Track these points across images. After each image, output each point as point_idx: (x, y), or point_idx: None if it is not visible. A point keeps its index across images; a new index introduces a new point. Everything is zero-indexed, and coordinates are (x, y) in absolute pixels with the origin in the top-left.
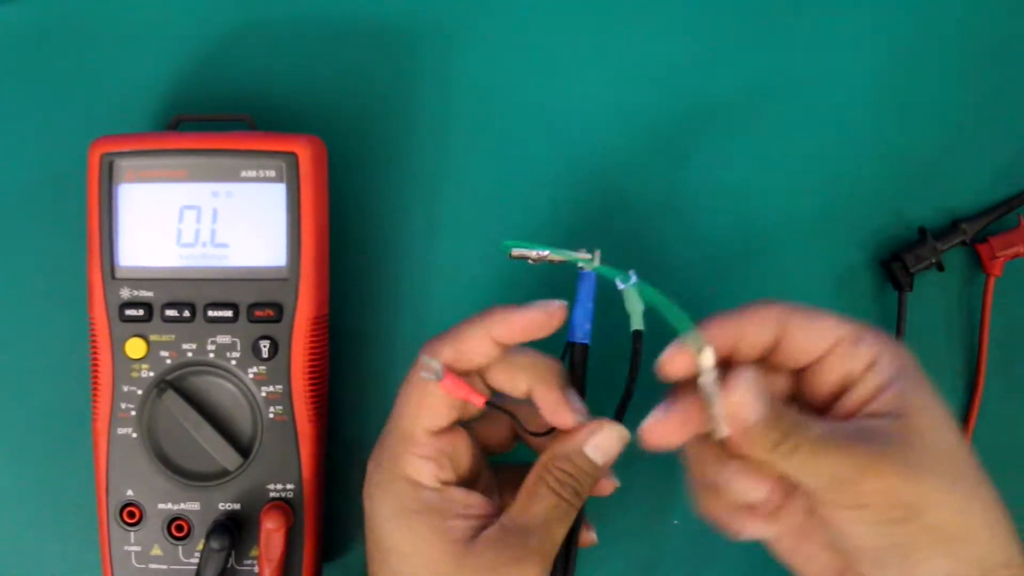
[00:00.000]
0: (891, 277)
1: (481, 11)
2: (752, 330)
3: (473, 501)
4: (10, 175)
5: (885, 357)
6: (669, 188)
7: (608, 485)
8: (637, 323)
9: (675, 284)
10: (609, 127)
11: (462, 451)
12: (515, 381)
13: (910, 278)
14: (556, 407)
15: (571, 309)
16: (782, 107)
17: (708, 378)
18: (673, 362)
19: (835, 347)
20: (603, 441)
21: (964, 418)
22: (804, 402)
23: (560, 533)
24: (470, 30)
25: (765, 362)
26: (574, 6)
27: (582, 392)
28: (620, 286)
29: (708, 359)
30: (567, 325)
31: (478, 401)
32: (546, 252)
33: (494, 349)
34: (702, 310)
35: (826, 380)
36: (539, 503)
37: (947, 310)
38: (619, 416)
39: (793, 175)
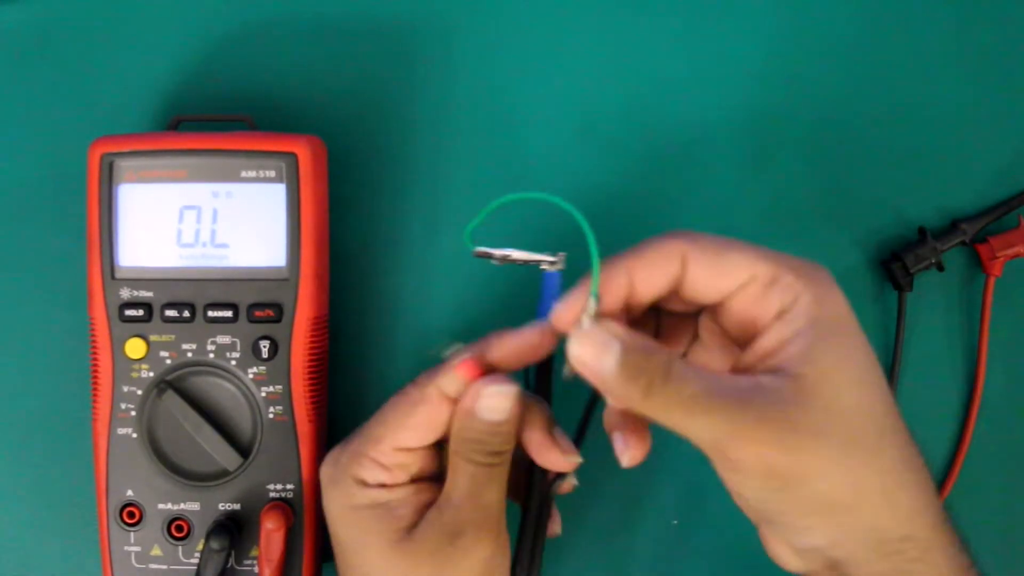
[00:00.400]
0: (891, 277)
1: (481, 11)
2: (644, 273)
3: (419, 488)
4: (10, 175)
5: (801, 303)
6: (668, 186)
7: (567, 486)
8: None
9: None
10: (609, 127)
11: (424, 465)
12: None
13: (910, 278)
14: (542, 447)
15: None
16: (782, 107)
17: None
18: (560, 317)
19: (744, 287)
20: (489, 401)
21: (964, 418)
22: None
23: (491, 497)
24: (470, 30)
25: (678, 300)
26: (574, 6)
27: (550, 392)
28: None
29: (589, 309)
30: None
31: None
32: (509, 252)
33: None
34: None
35: (732, 323)
36: (460, 475)
37: (947, 310)
38: (586, 419)
39: (793, 175)
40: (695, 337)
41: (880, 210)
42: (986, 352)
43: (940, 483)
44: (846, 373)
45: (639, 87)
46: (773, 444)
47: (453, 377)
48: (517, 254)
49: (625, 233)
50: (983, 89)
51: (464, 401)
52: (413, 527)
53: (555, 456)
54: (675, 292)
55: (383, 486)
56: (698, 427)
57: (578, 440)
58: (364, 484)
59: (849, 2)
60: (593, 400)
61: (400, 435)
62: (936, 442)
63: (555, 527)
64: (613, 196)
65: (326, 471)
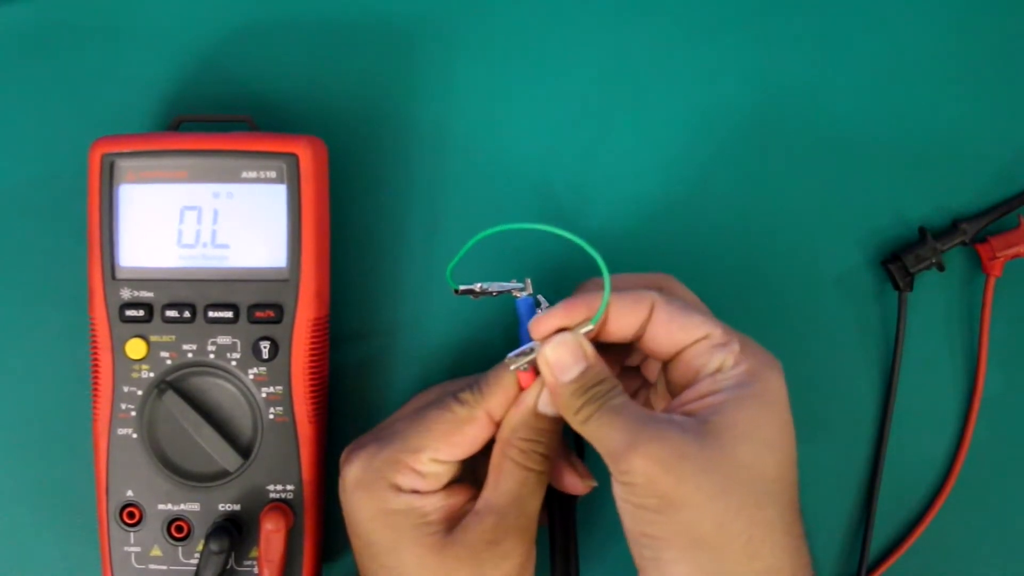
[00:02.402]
0: (891, 277)
1: (481, 12)
2: (618, 313)
3: (453, 491)
4: (11, 175)
5: (737, 369)
6: (668, 189)
7: (584, 488)
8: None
9: (678, 278)
10: (610, 128)
11: (457, 470)
12: None
13: (910, 278)
14: (560, 473)
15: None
16: (782, 108)
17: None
18: (538, 327)
19: (697, 343)
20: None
21: (964, 418)
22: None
23: (534, 505)
24: (471, 31)
25: (635, 351)
26: (575, 7)
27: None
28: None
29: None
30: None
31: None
32: (484, 286)
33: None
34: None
35: (676, 374)
36: (507, 480)
37: (947, 310)
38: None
39: (793, 175)
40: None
41: (880, 210)
42: (986, 352)
43: (940, 483)
44: (752, 432)
45: (638, 84)
46: (659, 462)
47: (502, 399)
48: (491, 287)
49: (623, 231)
50: (983, 89)
51: (525, 401)
52: (448, 530)
53: (573, 480)
54: (636, 338)
55: (416, 492)
56: (605, 434)
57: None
58: (399, 489)
59: (849, 3)
60: None
61: (442, 450)
62: (936, 442)
63: (589, 482)
64: (613, 194)
65: (355, 474)
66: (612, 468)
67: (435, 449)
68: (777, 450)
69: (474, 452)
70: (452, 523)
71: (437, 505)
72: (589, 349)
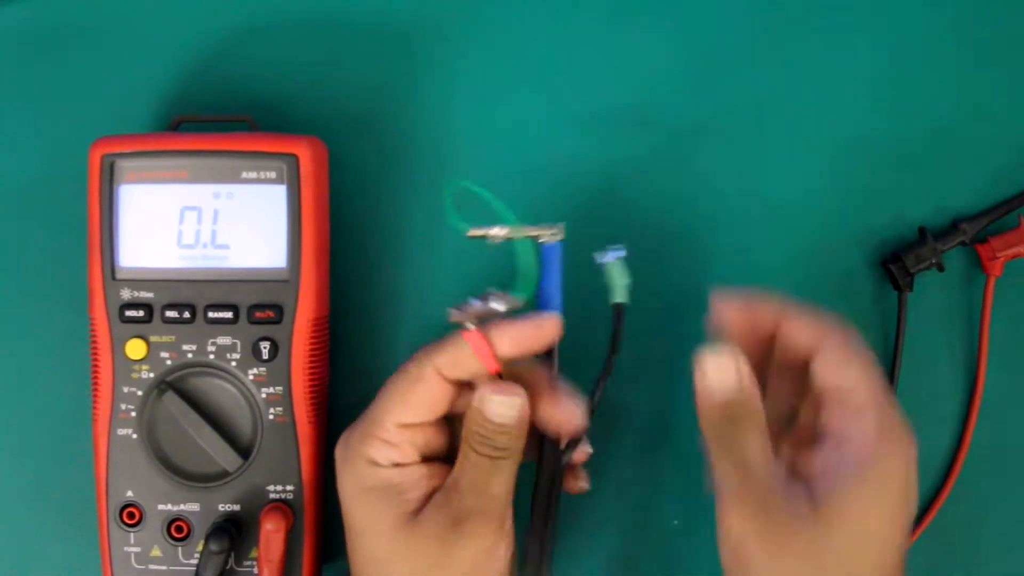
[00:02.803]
0: (891, 277)
1: (481, 12)
2: (792, 330)
3: (432, 472)
4: (11, 175)
5: (866, 439)
6: (669, 188)
7: (580, 454)
8: (620, 296)
9: (674, 283)
10: (610, 128)
11: (431, 438)
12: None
13: (910, 278)
14: (546, 409)
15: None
16: (782, 108)
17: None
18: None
19: (841, 388)
20: (495, 408)
21: (964, 418)
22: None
23: (498, 487)
24: (471, 31)
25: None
26: (575, 7)
27: (555, 364)
28: (600, 259)
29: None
30: (536, 296)
31: (492, 367)
32: (506, 229)
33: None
34: (702, 309)
35: (815, 382)
36: (467, 462)
37: (947, 310)
38: (597, 390)
39: (793, 176)
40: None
41: (880, 210)
42: (986, 352)
43: (940, 483)
44: (862, 524)
45: (638, 84)
46: (756, 535)
47: (450, 358)
48: (515, 230)
49: (622, 228)
50: (983, 89)
51: (474, 398)
52: (420, 510)
53: (568, 406)
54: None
55: (396, 465)
56: (723, 468)
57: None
58: (376, 464)
59: (849, 3)
60: (604, 374)
61: (400, 412)
62: (936, 442)
63: (581, 483)
64: (614, 195)
65: (338, 452)
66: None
67: (395, 414)
68: (883, 540)
69: (437, 415)
70: (427, 501)
71: (416, 482)
72: (745, 370)
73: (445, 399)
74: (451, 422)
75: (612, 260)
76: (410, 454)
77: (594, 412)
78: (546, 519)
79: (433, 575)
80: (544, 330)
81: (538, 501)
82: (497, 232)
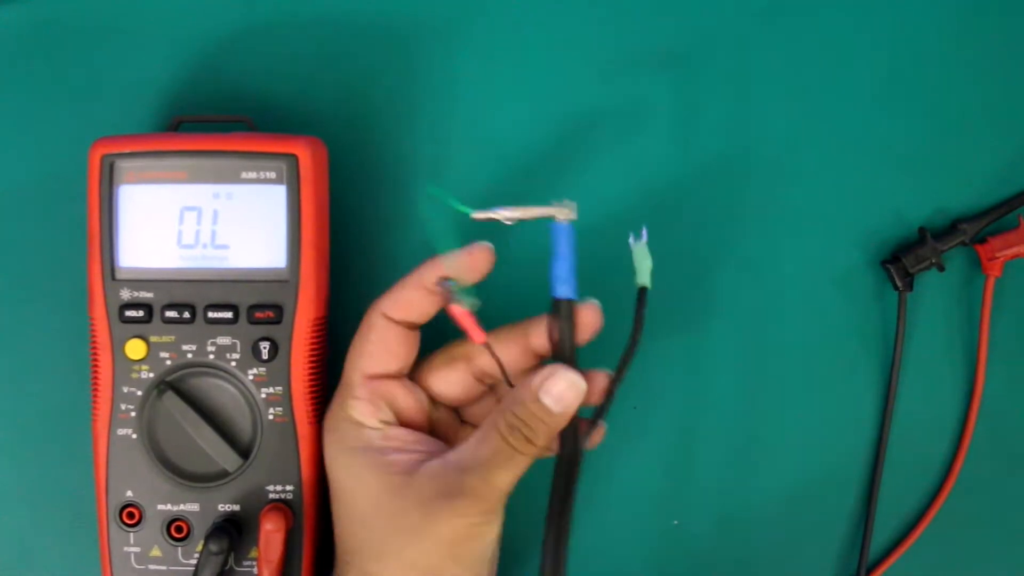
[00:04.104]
0: (891, 278)
1: (481, 11)
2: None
3: (418, 439)
4: (10, 176)
5: None
6: (668, 187)
7: (597, 435)
8: (644, 279)
9: (675, 282)
10: (612, 125)
11: (404, 398)
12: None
13: (910, 279)
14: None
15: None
16: (781, 106)
17: None
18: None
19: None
20: (555, 386)
21: (964, 418)
22: None
23: (503, 480)
24: (470, 31)
25: None
26: (574, 7)
27: (572, 349)
28: (633, 241)
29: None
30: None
31: (478, 338)
32: (517, 211)
33: (429, 297)
34: (700, 306)
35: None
36: (485, 444)
37: (947, 310)
38: (620, 374)
39: (792, 175)
40: None
41: (880, 211)
42: (986, 352)
43: (940, 483)
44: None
45: (638, 83)
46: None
47: (392, 299)
48: (526, 211)
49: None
50: (983, 89)
51: (531, 382)
52: (409, 473)
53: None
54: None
55: (379, 426)
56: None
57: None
58: (357, 424)
59: (850, 3)
60: (628, 357)
61: (361, 363)
62: (936, 442)
63: (597, 435)
64: (613, 195)
65: (326, 421)
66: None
67: (357, 365)
68: None
69: (400, 361)
70: (415, 465)
71: (400, 445)
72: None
73: (400, 344)
74: (430, 402)
75: (643, 243)
76: (387, 412)
77: (613, 394)
78: (563, 508)
79: (412, 543)
80: (474, 258)
81: (556, 488)
82: (506, 213)
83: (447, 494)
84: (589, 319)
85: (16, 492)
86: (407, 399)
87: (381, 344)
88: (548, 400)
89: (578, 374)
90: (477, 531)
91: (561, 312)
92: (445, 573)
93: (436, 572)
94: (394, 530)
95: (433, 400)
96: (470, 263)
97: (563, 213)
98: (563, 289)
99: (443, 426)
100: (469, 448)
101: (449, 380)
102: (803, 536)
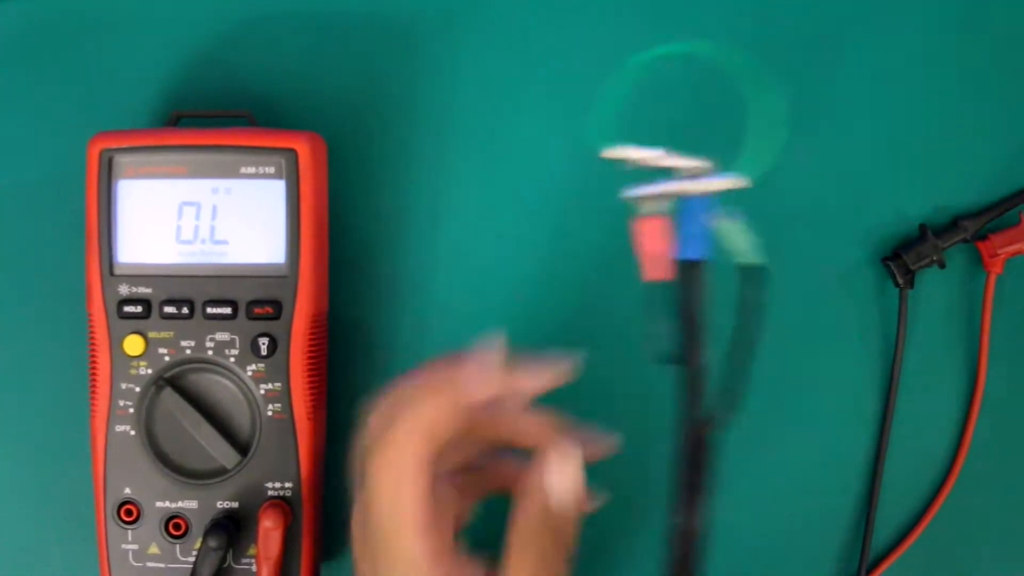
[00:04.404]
0: (892, 275)
1: (482, 6)
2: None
3: (468, 568)
4: (9, 171)
5: None
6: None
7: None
8: (747, 256)
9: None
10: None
11: (458, 505)
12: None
13: (911, 276)
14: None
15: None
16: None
17: None
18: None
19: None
20: (557, 476)
21: (965, 416)
22: None
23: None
24: (472, 25)
25: None
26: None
27: (700, 324)
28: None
29: None
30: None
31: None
32: (652, 153)
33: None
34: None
35: None
36: (525, 562)
37: (948, 308)
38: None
39: (792, 173)
40: None
41: (880, 207)
42: (987, 349)
43: (941, 482)
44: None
45: (643, 85)
46: None
47: (426, 436)
48: (660, 157)
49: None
50: (984, 85)
51: (534, 477)
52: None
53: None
54: None
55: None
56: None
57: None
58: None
59: (848, 2)
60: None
61: (428, 442)
62: (937, 440)
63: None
64: (617, 191)
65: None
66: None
67: (424, 438)
68: None
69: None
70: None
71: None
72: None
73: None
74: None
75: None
76: (448, 535)
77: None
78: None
79: None
80: (558, 375)
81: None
82: (637, 155)
83: None
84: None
85: (14, 489)
86: (461, 502)
87: (451, 428)
88: (561, 495)
89: (564, 447)
90: None
91: (686, 277)
92: None
93: None
94: None
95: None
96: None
97: (697, 170)
98: (691, 249)
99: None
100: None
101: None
102: (803, 534)
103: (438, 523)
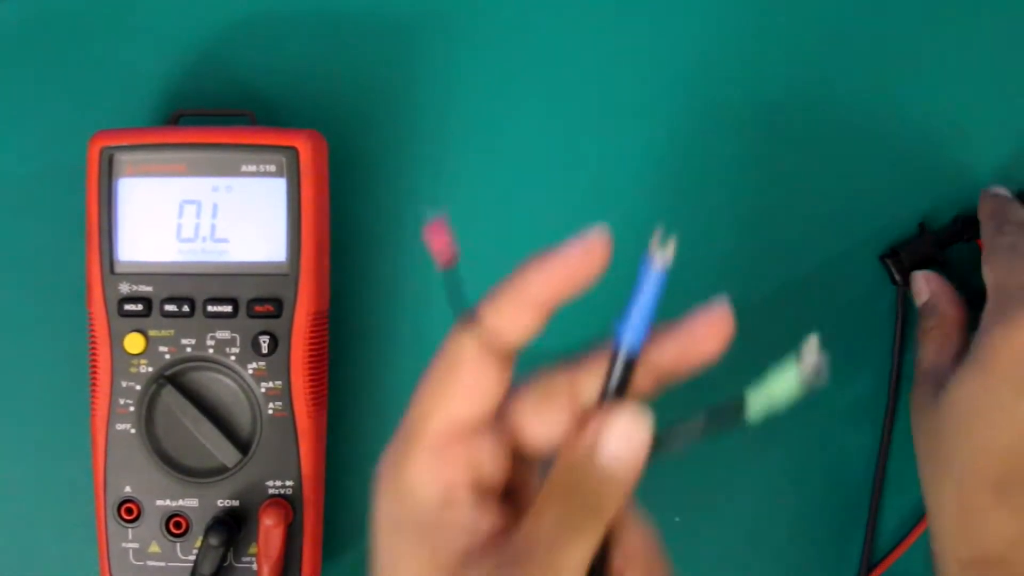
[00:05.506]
0: (889, 272)
1: (483, 5)
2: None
3: (481, 514)
4: (9, 169)
5: None
6: (667, 183)
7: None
8: (760, 403)
9: (674, 278)
10: (613, 123)
11: (488, 460)
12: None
13: (909, 272)
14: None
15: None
16: (781, 103)
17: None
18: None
19: None
20: (609, 443)
21: None
22: None
23: (574, 557)
24: (472, 24)
25: None
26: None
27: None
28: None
29: None
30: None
31: (443, 258)
32: None
33: (535, 314)
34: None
35: None
36: (541, 518)
37: None
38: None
39: (792, 170)
40: None
41: (879, 205)
42: None
43: None
44: (969, 408)
45: (642, 80)
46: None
47: (491, 323)
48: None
49: (624, 226)
50: (984, 83)
51: (584, 438)
52: (464, 562)
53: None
54: None
55: (444, 492)
56: None
57: None
58: (418, 496)
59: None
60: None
61: (445, 406)
62: None
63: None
64: (616, 191)
65: (381, 473)
66: None
67: (436, 411)
68: (992, 425)
69: (489, 402)
70: (474, 549)
71: (463, 524)
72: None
73: (497, 380)
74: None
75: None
76: (462, 474)
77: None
78: None
79: None
80: (593, 254)
81: None
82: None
83: None
84: (712, 332)
85: (13, 487)
86: (493, 462)
87: (474, 382)
88: (605, 462)
89: (638, 410)
90: None
91: (613, 367)
92: None
93: None
94: None
95: (517, 451)
96: (589, 263)
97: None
98: (628, 339)
99: (527, 486)
100: (530, 525)
101: (546, 421)
102: (804, 532)
103: (470, 447)
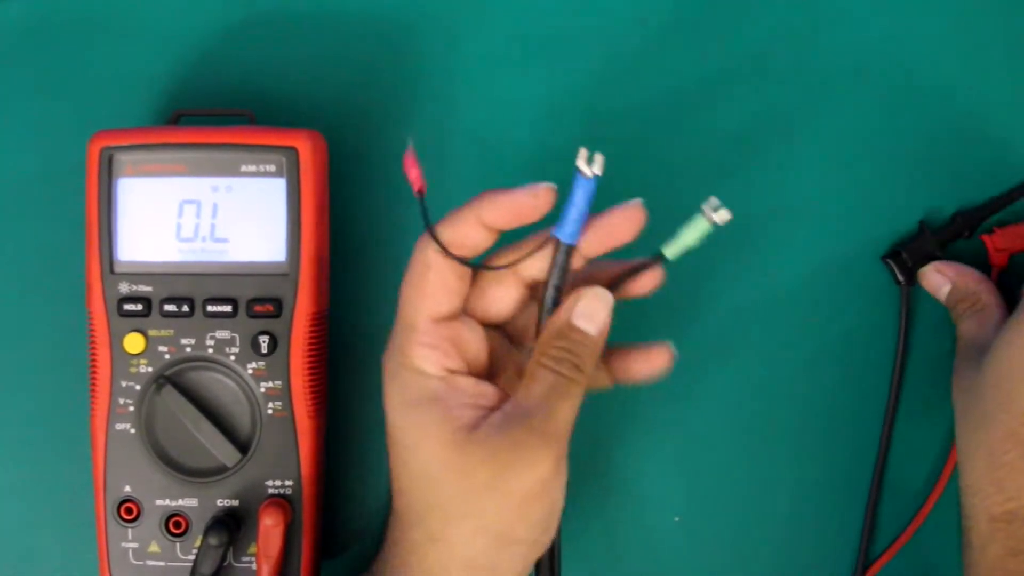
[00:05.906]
0: (892, 272)
1: (483, 5)
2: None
3: (484, 390)
4: (10, 169)
5: None
6: (666, 183)
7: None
8: (671, 250)
9: (675, 275)
10: (614, 123)
11: (469, 339)
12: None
13: (911, 272)
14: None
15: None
16: (781, 102)
17: None
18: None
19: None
20: (586, 307)
21: None
22: None
23: (565, 412)
24: (472, 24)
25: None
26: (576, 1)
27: (560, 293)
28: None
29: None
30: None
31: (416, 184)
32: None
33: (485, 234)
34: (700, 303)
35: None
36: (538, 383)
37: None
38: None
39: (793, 170)
40: None
41: (880, 204)
42: None
43: (939, 479)
44: (1008, 366)
45: (644, 84)
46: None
47: (448, 238)
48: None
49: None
50: (985, 82)
51: (562, 311)
52: (472, 428)
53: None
54: None
55: (445, 375)
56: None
57: None
58: (422, 373)
59: (850, 1)
60: None
61: (426, 305)
62: (937, 438)
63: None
64: (616, 192)
65: (386, 368)
66: None
67: (421, 308)
68: None
69: (458, 299)
70: (479, 420)
71: (466, 396)
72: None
73: (461, 281)
74: (491, 339)
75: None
76: (455, 358)
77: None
78: None
79: (484, 500)
80: (539, 199)
81: None
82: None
83: (516, 443)
84: (627, 226)
85: (13, 487)
86: (473, 340)
87: (442, 284)
88: (582, 323)
89: (602, 289)
90: (546, 488)
91: (556, 254)
92: (516, 534)
93: (507, 533)
94: (462, 490)
95: (485, 327)
96: (532, 205)
97: (588, 166)
98: (566, 231)
99: (497, 355)
100: (524, 392)
101: (502, 299)
102: (805, 531)
103: (452, 332)
